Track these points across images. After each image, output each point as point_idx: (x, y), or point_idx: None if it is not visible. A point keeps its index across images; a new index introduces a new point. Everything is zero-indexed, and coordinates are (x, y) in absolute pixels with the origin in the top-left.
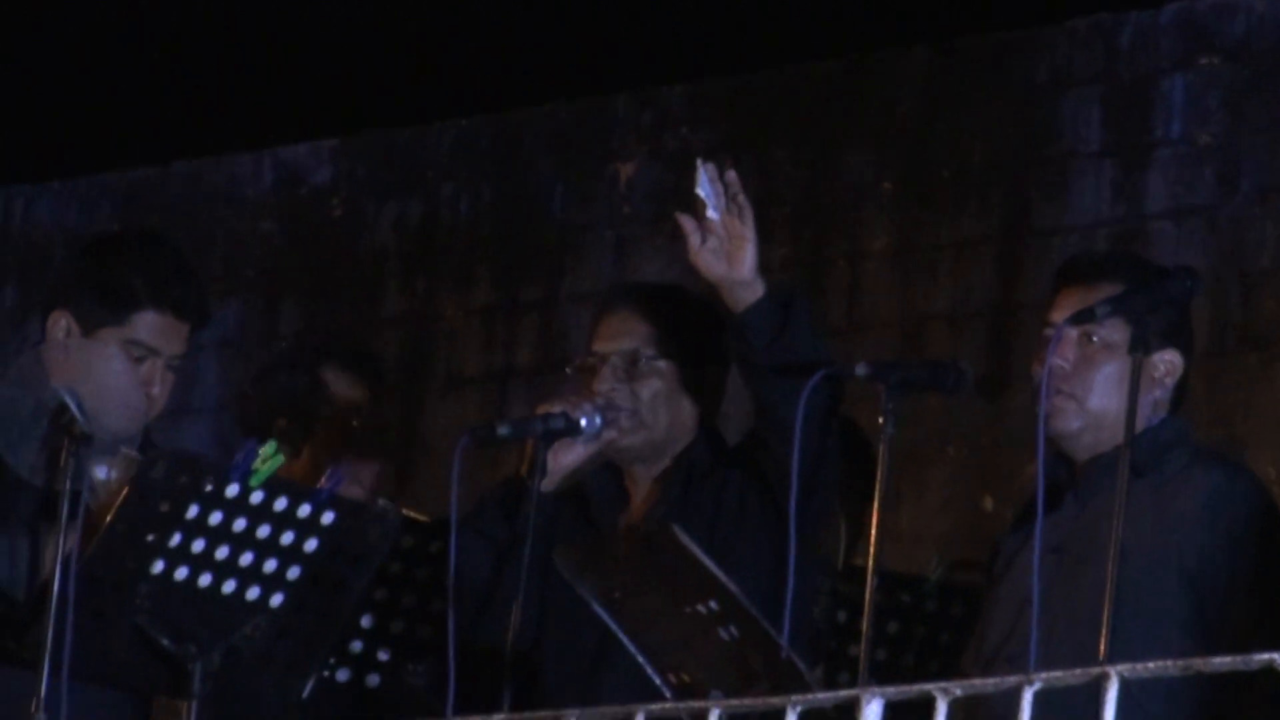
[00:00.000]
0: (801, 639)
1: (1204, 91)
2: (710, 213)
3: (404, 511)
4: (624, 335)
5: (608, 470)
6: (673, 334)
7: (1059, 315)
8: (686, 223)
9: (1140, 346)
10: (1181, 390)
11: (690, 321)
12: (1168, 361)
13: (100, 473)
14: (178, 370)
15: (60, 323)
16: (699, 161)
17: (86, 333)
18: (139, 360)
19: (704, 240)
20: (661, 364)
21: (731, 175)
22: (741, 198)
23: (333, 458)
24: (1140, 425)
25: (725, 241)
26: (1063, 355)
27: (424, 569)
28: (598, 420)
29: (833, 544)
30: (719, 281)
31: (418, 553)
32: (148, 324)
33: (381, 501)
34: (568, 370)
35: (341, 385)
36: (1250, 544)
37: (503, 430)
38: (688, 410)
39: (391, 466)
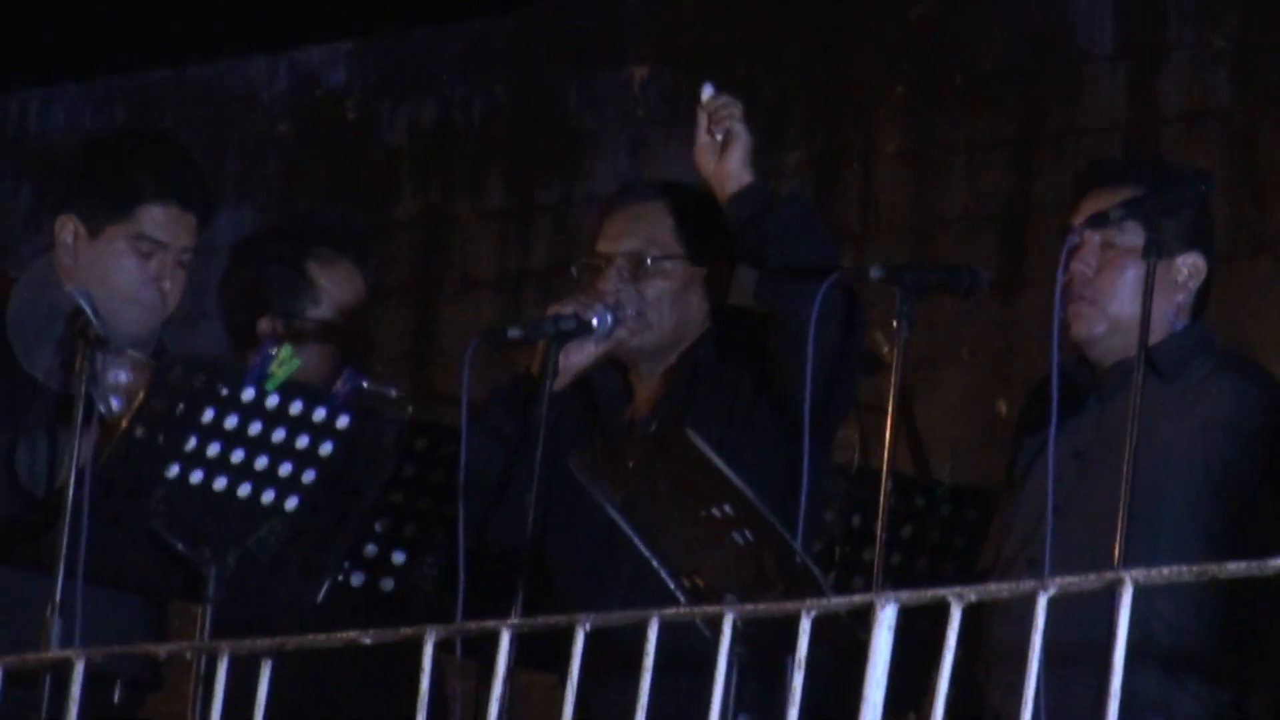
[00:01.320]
0: (815, 544)
1: None
2: None
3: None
4: (629, 236)
5: (613, 367)
6: (679, 232)
7: (1080, 220)
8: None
9: (1153, 250)
10: (1205, 294)
11: (697, 218)
12: (1190, 264)
13: (120, 376)
14: (188, 265)
15: (67, 226)
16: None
17: (93, 234)
18: (148, 256)
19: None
20: (667, 264)
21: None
22: (712, 103)
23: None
24: (1163, 329)
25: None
26: (1085, 260)
27: (438, 472)
28: (609, 319)
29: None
30: (710, 176)
31: (431, 456)
32: (153, 217)
33: (394, 393)
34: (572, 270)
35: (331, 278)
36: (1273, 451)
37: (513, 333)
38: (696, 307)
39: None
